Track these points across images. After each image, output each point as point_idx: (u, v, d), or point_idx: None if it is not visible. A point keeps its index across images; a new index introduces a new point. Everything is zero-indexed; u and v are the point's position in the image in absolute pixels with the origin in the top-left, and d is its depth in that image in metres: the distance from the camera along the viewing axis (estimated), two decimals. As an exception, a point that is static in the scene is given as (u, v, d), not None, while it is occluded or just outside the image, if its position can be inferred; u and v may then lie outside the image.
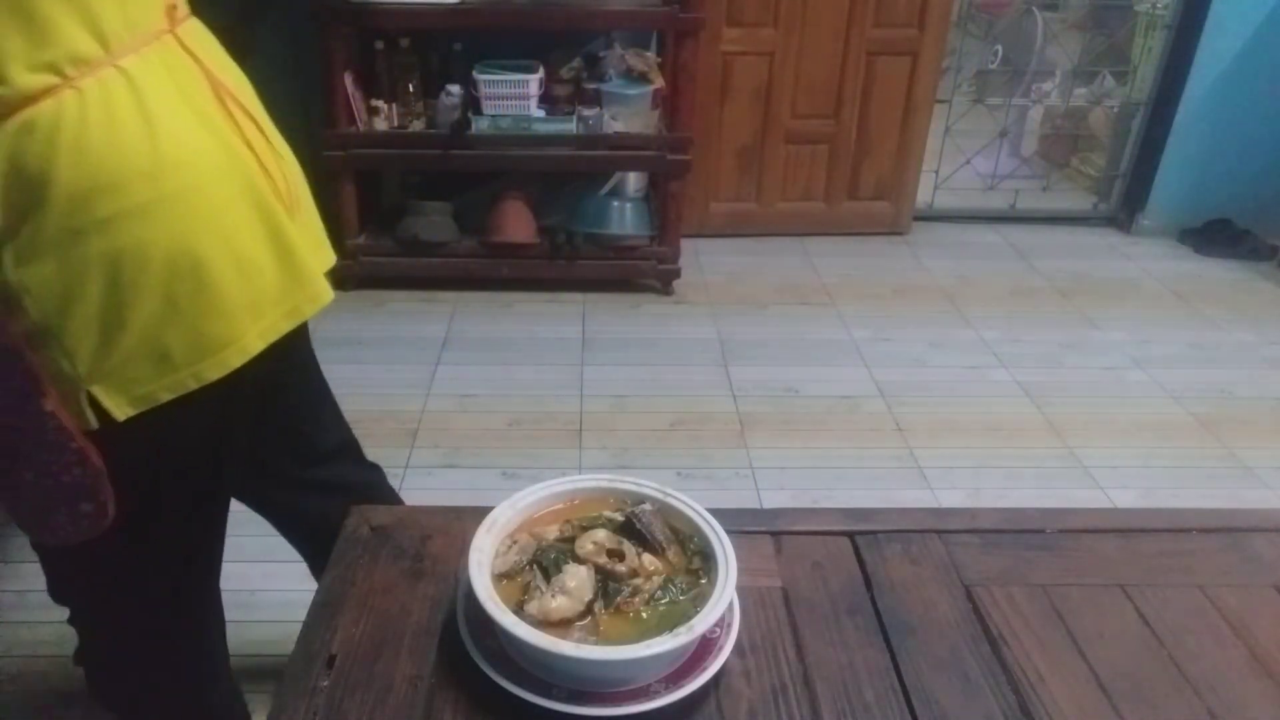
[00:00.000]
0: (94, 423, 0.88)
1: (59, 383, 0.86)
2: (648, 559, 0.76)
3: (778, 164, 3.58)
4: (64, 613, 1.06)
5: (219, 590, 1.18)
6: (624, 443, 2.41)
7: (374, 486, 1.38)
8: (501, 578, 0.73)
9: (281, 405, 1.19)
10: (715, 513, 0.78)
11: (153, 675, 1.14)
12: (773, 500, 2.20)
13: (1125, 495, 2.25)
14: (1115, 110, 3.99)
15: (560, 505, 0.81)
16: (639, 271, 3.20)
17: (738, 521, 0.84)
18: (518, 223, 3.10)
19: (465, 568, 0.72)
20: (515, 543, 0.76)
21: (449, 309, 3.05)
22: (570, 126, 2.99)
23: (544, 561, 0.74)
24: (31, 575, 1.84)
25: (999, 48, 4.82)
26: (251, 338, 0.94)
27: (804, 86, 3.46)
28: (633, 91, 3.01)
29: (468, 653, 0.70)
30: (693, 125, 3.07)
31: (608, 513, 0.80)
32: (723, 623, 0.73)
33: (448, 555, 0.83)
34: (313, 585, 0.80)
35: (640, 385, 2.66)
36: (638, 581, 0.74)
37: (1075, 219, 3.95)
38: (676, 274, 3.20)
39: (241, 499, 1.25)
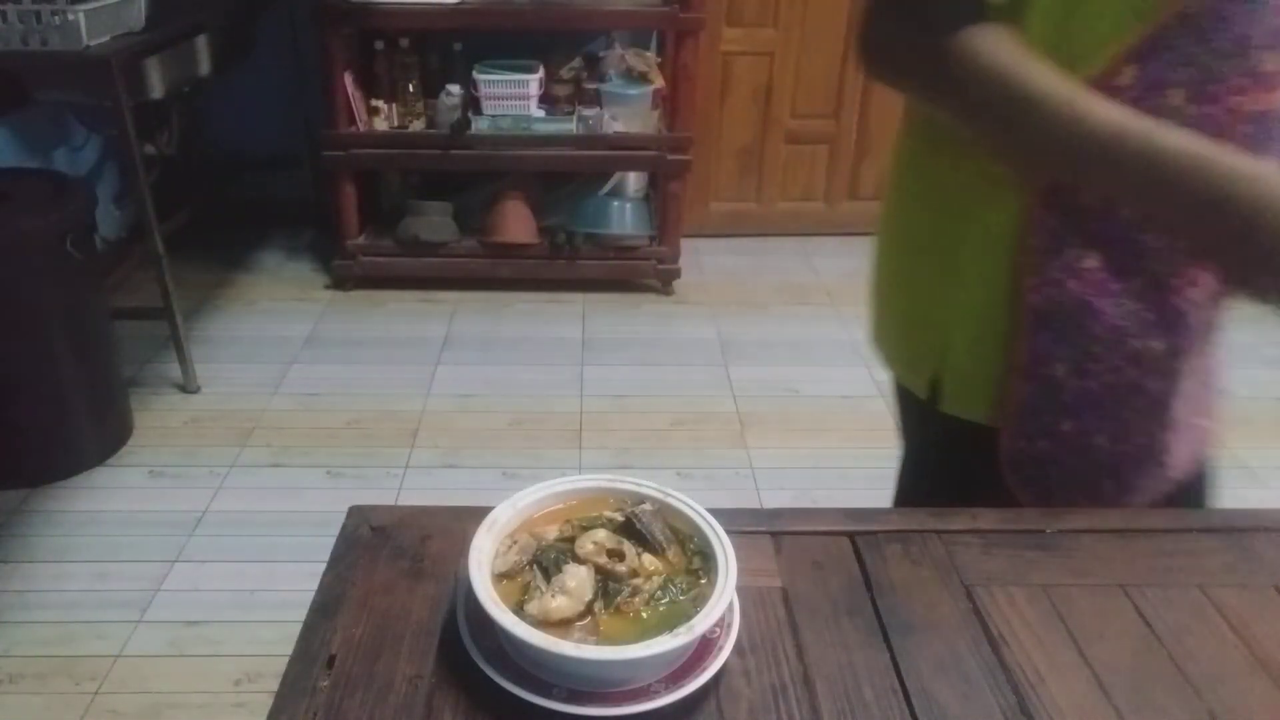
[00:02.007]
0: None
1: None
2: (648, 559, 0.76)
3: (778, 164, 3.58)
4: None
5: None
6: (624, 443, 2.41)
7: None
8: (501, 578, 0.73)
9: None
10: (715, 513, 0.78)
11: None
12: (773, 500, 2.20)
13: (1125, 495, 2.25)
14: (1115, 110, 3.98)
15: (560, 505, 0.81)
16: (639, 271, 3.20)
17: (738, 521, 0.84)
18: (517, 223, 3.11)
19: (465, 568, 0.72)
20: (515, 543, 0.76)
21: (449, 309, 3.05)
22: (570, 126, 2.99)
23: (544, 561, 0.74)
24: (32, 575, 1.85)
25: (999, 48, 4.82)
26: None
27: (804, 86, 3.46)
28: (633, 91, 3.01)
29: (468, 653, 0.70)
30: (692, 125, 3.08)
31: (608, 513, 0.80)
32: (723, 623, 0.73)
33: (448, 555, 0.83)
34: (313, 585, 0.80)
35: (640, 385, 2.66)
36: (638, 581, 0.74)
37: (1075, 219, 3.94)
38: (676, 274, 3.20)
39: None
